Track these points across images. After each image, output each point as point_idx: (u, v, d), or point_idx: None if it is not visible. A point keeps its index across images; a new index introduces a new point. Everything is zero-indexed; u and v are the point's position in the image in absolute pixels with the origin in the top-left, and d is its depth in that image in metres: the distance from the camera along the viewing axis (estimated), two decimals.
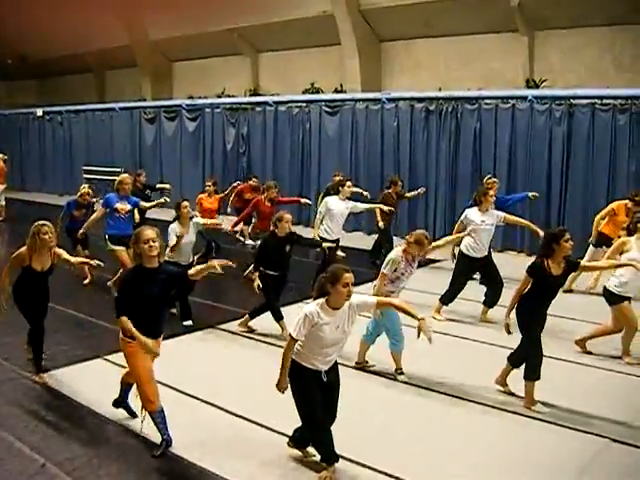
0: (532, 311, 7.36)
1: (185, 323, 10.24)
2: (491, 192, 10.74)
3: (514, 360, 7.62)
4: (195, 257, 10.96)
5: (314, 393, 5.85)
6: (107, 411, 7.05)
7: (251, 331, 10.00)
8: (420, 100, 17.61)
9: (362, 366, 8.62)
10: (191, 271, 6.56)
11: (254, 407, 7.11)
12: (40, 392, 7.67)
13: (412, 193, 14.89)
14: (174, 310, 10.48)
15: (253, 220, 14.29)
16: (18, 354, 8.59)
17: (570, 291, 11.94)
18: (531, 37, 18.18)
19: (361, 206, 12.80)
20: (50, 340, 8.49)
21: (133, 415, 6.85)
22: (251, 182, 16.22)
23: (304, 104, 20.04)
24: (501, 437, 6.73)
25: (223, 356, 9.03)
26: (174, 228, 10.10)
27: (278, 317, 9.82)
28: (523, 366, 7.50)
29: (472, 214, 10.61)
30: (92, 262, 8.25)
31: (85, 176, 24.93)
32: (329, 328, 5.74)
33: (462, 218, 10.71)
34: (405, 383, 8.12)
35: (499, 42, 18.69)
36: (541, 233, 9.46)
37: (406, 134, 17.80)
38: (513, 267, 11.28)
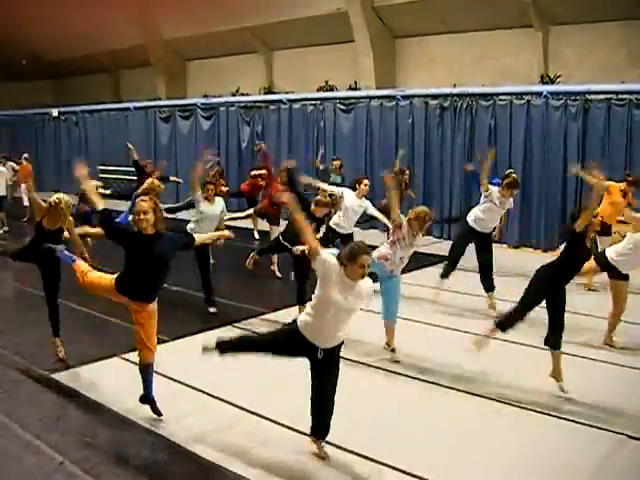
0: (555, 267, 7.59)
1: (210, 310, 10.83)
2: (515, 191, 10.94)
3: (552, 342, 7.57)
4: None
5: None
6: (124, 409, 7.08)
7: None
8: (435, 97, 17.57)
9: (392, 349, 8.75)
10: (197, 238, 7.34)
11: (271, 405, 7.11)
12: (57, 390, 7.71)
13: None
14: (214, 309, 10.80)
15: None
16: (35, 352, 8.66)
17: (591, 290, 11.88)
18: (545, 32, 18.14)
19: (374, 212, 12.70)
20: (66, 338, 8.55)
21: (158, 414, 6.90)
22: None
23: (318, 102, 20.04)
24: (514, 434, 6.70)
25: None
26: (198, 197, 10.94)
27: (299, 300, 9.95)
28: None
29: (494, 191, 10.80)
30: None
31: (101, 175, 25.01)
32: (337, 288, 5.80)
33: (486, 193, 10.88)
34: (416, 379, 8.11)
35: (513, 38, 18.67)
36: None
37: (421, 131, 17.78)
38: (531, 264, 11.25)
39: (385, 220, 12.55)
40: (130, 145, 15.85)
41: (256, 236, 16.83)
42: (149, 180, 12.67)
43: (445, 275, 11.12)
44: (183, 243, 7.21)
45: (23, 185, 20.62)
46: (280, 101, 21.09)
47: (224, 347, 6.48)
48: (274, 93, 23.54)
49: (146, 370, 6.88)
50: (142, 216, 6.43)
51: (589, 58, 17.45)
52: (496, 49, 18.86)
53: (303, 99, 20.54)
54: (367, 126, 18.86)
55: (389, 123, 18.41)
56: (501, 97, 16.44)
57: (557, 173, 15.57)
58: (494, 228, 11.36)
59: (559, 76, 17.76)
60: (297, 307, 9.82)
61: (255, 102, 21.95)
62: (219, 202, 11.14)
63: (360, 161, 18.80)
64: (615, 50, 17.01)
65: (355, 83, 21.62)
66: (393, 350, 8.70)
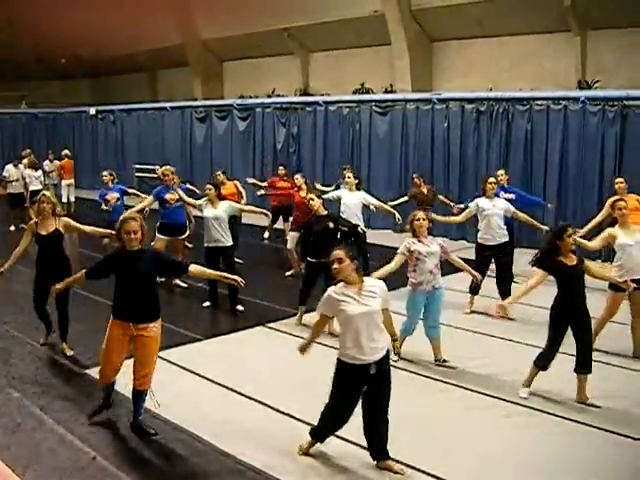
0: (559, 306, 7.53)
1: (204, 304, 11.28)
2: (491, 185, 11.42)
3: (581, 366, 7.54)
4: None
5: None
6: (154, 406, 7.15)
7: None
8: (471, 101, 17.49)
9: (443, 360, 8.73)
10: (193, 268, 7.06)
11: (308, 409, 7.09)
12: (91, 387, 7.79)
13: (444, 200, 14.92)
14: (241, 307, 11.01)
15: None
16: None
17: None
18: (584, 37, 17.97)
19: (374, 202, 12.78)
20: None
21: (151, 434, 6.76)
22: (280, 171, 16.37)
23: (354, 104, 20.02)
24: (543, 441, 6.64)
25: (273, 355, 9.03)
26: (202, 206, 11.32)
27: (300, 301, 10.26)
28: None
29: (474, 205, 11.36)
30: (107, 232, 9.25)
31: (137, 174, 25.28)
32: (347, 303, 5.93)
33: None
34: (456, 386, 8.09)
35: (551, 42, 18.51)
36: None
37: (457, 135, 17.69)
38: None
39: (389, 208, 12.91)
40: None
41: (266, 235, 17.03)
42: None
43: (474, 292, 11.12)
44: (172, 268, 7.41)
45: (64, 181, 20.82)
46: (316, 103, 21.09)
47: (317, 433, 6.34)
48: (310, 95, 23.56)
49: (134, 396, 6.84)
50: (132, 235, 6.59)
51: (628, 63, 17.23)
52: (534, 54, 18.72)
53: (339, 101, 20.52)
54: (403, 129, 18.81)
55: (425, 127, 18.33)
56: (538, 102, 16.31)
57: (593, 179, 15.40)
58: (508, 239, 11.44)
59: (597, 81, 17.59)
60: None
61: (291, 103, 21.99)
62: (223, 204, 11.25)
63: (395, 164, 18.76)
64: None
65: (391, 86, 21.56)
66: (445, 361, 8.65)
